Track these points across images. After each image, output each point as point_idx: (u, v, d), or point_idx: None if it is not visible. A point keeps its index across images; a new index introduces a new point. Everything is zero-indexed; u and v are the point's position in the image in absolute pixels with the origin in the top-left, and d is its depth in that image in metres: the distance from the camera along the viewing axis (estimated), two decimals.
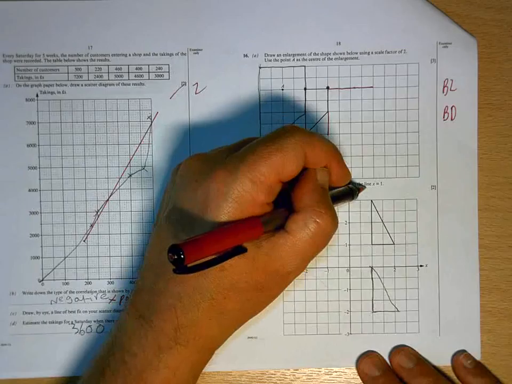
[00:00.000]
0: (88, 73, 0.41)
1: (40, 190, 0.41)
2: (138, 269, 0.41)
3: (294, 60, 0.41)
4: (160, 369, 0.32)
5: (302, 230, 0.32)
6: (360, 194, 0.40)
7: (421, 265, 0.41)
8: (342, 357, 0.41)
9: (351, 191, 0.39)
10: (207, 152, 0.35)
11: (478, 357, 0.41)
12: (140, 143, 0.41)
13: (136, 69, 0.41)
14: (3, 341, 0.40)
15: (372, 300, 0.41)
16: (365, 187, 0.41)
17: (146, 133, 0.41)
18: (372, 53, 0.41)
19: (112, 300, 0.41)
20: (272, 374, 0.41)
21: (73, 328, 0.41)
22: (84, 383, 0.35)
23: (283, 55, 0.41)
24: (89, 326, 0.41)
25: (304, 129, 0.34)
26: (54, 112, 0.41)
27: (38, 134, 0.41)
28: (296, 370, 0.41)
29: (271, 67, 0.41)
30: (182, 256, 0.26)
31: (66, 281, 0.41)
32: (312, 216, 0.32)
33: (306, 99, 0.41)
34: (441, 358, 0.41)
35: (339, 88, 0.41)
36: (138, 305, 0.34)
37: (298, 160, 0.32)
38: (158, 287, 0.33)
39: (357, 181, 0.41)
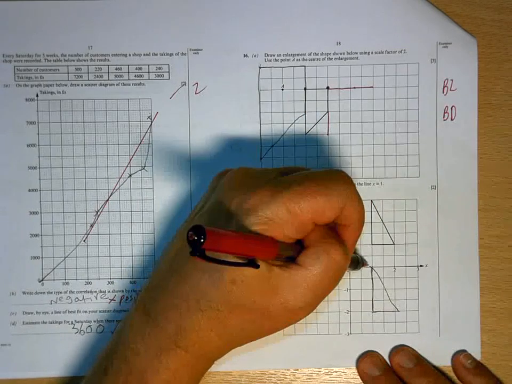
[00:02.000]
0: (88, 73, 0.41)
1: (40, 190, 0.41)
2: (153, 265, 0.41)
3: (294, 60, 0.41)
4: (161, 371, 0.32)
5: (313, 262, 0.32)
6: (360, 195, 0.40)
7: (421, 265, 0.41)
8: (342, 357, 0.41)
9: (357, 259, 0.39)
10: (255, 168, 0.35)
11: (478, 357, 0.41)
12: (140, 143, 0.41)
13: (136, 69, 0.41)
14: (3, 341, 0.40)
15: (372, 300, 0.41)
16: (368, 264, 0.41)
17: (146, 133, 0.41)
18: (372, 53, 0.41)
19: (112, 299, 0.41)
20: (272, 374, 0.41)
21: (73, 328, 0.41)
22: (87, 381, 0.35)
23: (283, 55, 0.41)
24: (89, 326, 0.41)
25: (352, 181, 0.33)
26: (54, 112, 0.41)
27: (38, 134, 0.41)
28: (296, 370, 0.41)
29: (271, 67, 0.41)
30: (202, 240, 0.26)
31: (66, 281, 0.41)
32: (323, 247, 0.32)
33: (306, 99, 0.41)
34: (441, 358, 0.41)
35: (339, 88, 0.41)
36: (146, 301, 0.34)
37: (338, 210, 0.32)
38: (168, 285, 0.33)
39: (357, 180, 0.41)
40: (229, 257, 0.29)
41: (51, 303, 0.41)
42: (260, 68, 0.41)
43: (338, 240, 0.33)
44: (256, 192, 0.31)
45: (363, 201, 0.40)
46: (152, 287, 0.34)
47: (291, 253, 0.32)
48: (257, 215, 0.31)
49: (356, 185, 0.33)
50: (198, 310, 0.32)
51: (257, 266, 0.30)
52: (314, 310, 0.41)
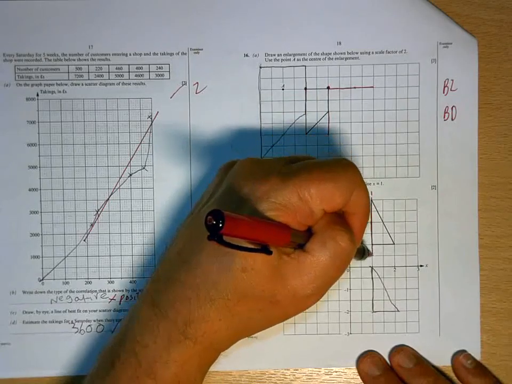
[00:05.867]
0: (88, 72, 0.41)
1: (40, 189, 0.41)
2: (160, 257, 0.40)
3: (294, 59, 0.41)
4: (170, 363, 0.32)
5: (320, 249, 0.32)
6: None
7: (421, 265, 0.41)
8: (342, 357, 0.41)
9: (363, 249, 0.39)
10: (262, 158, 0.35)
11: (478, 357, 0.41)
12: (140, 143, 0.41)
13: (137, 68, 0.41)
14: (3, 340, 0.40)
15: (372, 299, 0.41)
16: (372, 254, 0.41)
17: (146, 132, 0.41)
18: (373, 52, 0.41)
19: (112, 299, 0.41)
20: (272, 374, 0.41)
21: (73, 327, 0.41)
22: (92, 375, 0.35)
23: (283, 54, 0.41)
24: (89, 325, 0.41)
25: (358, 169, 0.34)
26: (55, 112, 0.41)
27: (39, 133, 0.41)
28: (296, 370, 0.41)
29: (271, 67, 0.41)
30: (221, 225, 0.26)
31: (67, 280, 0.41)
32: (330, 234, 0.32)
33: (307, 99, 0.41)
34: (441, 358, 0.41)
35: (339, 88, 0.41)
36: (154, 294, 0.34)
37: (347, 196, 0.32)
38: (178, 276, 0.33)
39: None
40: (242, 243, 0.29)
41: (51, 303, 0.41)
42: (260, 67, 0.41)
43: (345, 227, 0.33)
44: (267, 180, 0.32)
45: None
46: (159, 279, 0.34)
47: (301, 240, 0.32)
48: (269, 202, 0.31)
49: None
50: (208, 300, 0.32)
51: (270, 253, 0.30)
52: (314, 310, 0.41)
